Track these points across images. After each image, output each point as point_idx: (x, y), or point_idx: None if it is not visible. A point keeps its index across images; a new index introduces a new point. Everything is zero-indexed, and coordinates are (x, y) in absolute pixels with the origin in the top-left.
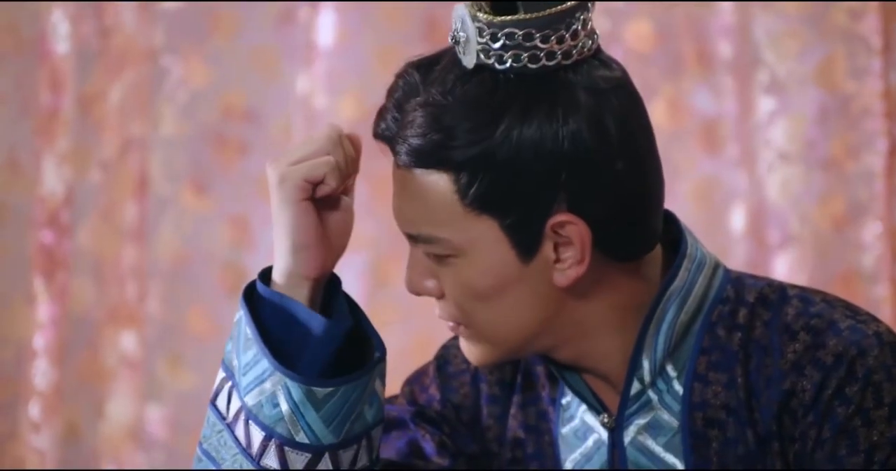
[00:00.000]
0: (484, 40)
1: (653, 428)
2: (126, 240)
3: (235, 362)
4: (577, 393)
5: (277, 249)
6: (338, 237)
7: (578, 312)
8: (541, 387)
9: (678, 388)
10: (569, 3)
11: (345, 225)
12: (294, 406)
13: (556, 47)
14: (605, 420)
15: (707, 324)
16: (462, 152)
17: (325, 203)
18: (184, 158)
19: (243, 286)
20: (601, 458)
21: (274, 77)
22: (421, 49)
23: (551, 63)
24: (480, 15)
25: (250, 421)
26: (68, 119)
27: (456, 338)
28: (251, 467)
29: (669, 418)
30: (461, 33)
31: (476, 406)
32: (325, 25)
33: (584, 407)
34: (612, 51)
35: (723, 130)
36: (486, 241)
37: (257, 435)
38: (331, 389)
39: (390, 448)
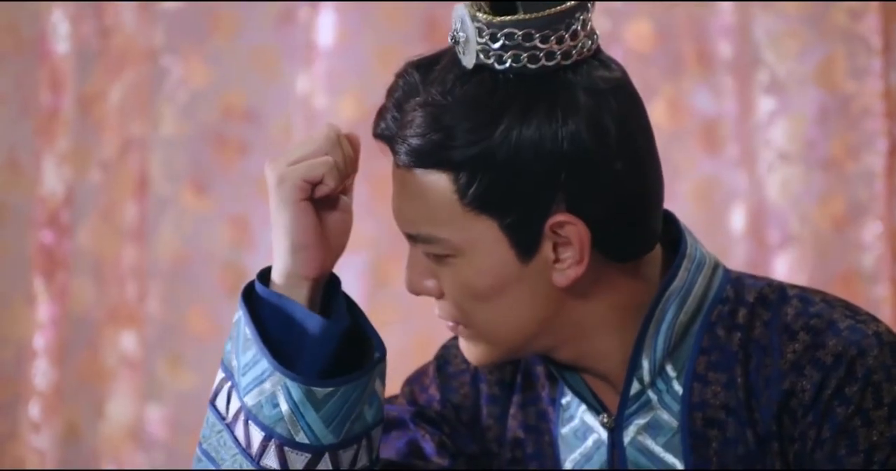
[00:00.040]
0: (483, 40)
1: (652, 428)
2: (126, 240)
3: (235, 363)
4: (577, 393)
5: (276, 250)
6: (337, 237)
7: (578, 312)
8: (540, 387)
9: (678, 388)
10: (568, 4)
11: (344, 225)
12: (294, 406)
13: (555, 47)
14: (605, 420)
15: (706, 324)
16: (461, 152)
17: (324, 203)
18: (184, 158)
19: (243, 286)
20: (601, 458)
21: (274, 77)
22: (421, 49)
23: (551, 63)
24: (480, 15)
25: (250, 421)
26: (68, 119)
27: (456, 338)
28: (251, 468)
29: (669, 418)
30: (461, 33)
31: (476, 406)
32: (325, 25)
33: (583, 407)
34: (612, 51)
35: (723, 130)
36: (485, 241)
37: (257, 435)
38: (330, 389)
39: (390, 448)
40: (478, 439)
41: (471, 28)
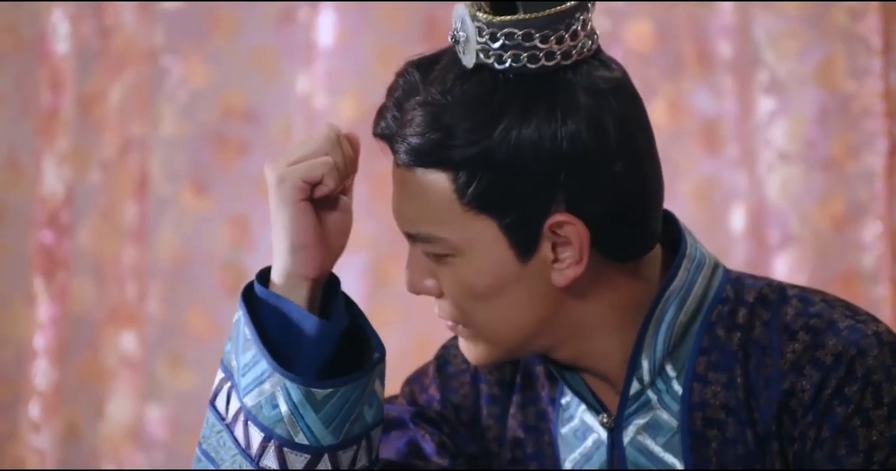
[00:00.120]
0: (483, 40)
1: (652, 428)
2: (126, 240)
3: (234, 363)
4: (577, 393)
5: (276, 250)
6: (336, 237)
7: (577, 312)
8: (540, 387)
9: (677, 388)
10: (568, 4)
11: (343, 225)
12: (293, 407)
13: (555, 47)
14: (605, 420)
15: (706, 324)
16: (461, 152)
17: (324, 203)
18: (184, 158)
19: (243, 287)
20: (600, 458)
21: (274, 77)
22: (421, 49)
23: (550, 63)
24: (480, 15)
25: (249, 422)
26: (68, 119)
27: (456, 338)
28: (250, 468)
29: (669, 418)
30: (461, 33)
31: (476, 406)
32: (325, 25)
33: (583, 407)
34: (612, 51)
35: (723, 130)
36: (484, 240)
37: (256, 436)
38: (330, 390)
39: (390, 448)
40: (478, 439)
41: (471, 28)
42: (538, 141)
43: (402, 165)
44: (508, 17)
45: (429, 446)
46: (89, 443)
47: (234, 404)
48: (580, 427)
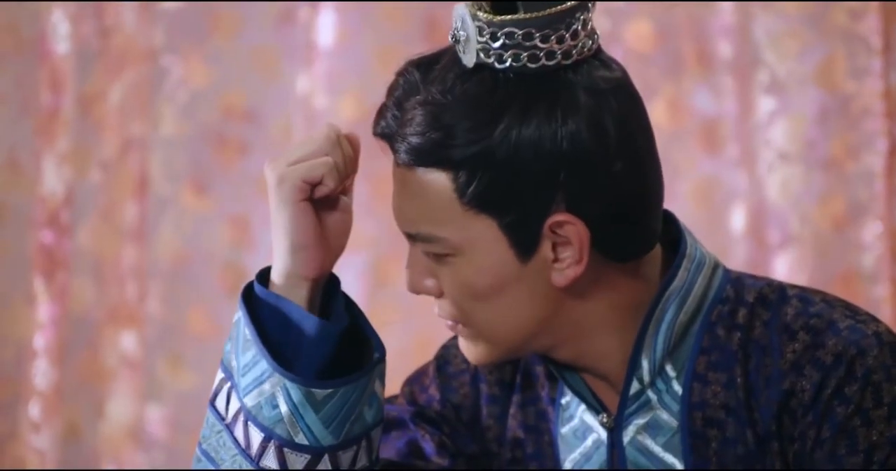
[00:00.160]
0: (484, 39)
1: (652, 428)
2: (126, 240)
3: (234, 363)
4: (577, 393)
5: (276, 250)
6: (336, 237)
7: (577, 312)
8: (540, 387)
9: (677, 388)
10: (569, 3)
11: (343, 225)
12: (293, 408)
13: (555, 47)
14: (605, 420)
15: (706, 324)
16: (461, 151)
17: (324, 203)
18: (184, 158)
19: (243, 287)
20: (600, 458)
21: (274, 77)
22: (421, 49)
23: (551, 63)
24: (480, 14)
25: (249, 422)
26: (68, 119)
27: (456, 338)
28: (250, 468)
29: (669, 418)
30: (461, 32)
31: (476, 406)
32: (325, 25)
33: (583, 407)
34: (612, 51)
35: (723, 130)
36: (484, 240)
37: (256, 436)
38: (330, 390)
39: (390, 448)
40: (478, 439)
41: (471, 27)
42: (538, 140)
43: (402, 164)
44: (509, 17)
45: (429, 446)
46: (89, 443)
47: (234, 405)
48: (580, 427)
